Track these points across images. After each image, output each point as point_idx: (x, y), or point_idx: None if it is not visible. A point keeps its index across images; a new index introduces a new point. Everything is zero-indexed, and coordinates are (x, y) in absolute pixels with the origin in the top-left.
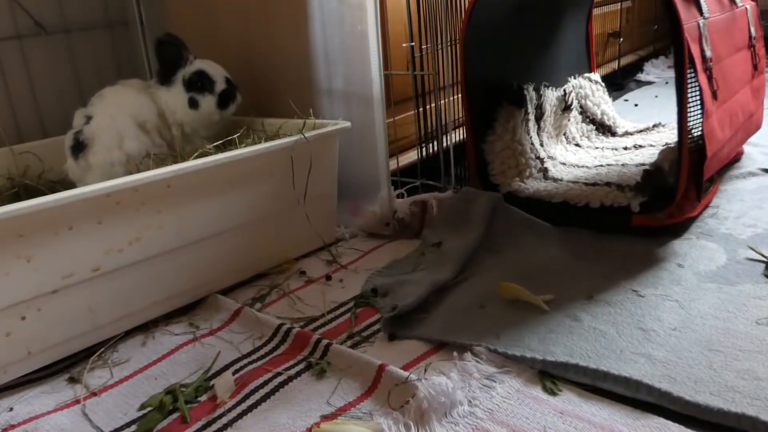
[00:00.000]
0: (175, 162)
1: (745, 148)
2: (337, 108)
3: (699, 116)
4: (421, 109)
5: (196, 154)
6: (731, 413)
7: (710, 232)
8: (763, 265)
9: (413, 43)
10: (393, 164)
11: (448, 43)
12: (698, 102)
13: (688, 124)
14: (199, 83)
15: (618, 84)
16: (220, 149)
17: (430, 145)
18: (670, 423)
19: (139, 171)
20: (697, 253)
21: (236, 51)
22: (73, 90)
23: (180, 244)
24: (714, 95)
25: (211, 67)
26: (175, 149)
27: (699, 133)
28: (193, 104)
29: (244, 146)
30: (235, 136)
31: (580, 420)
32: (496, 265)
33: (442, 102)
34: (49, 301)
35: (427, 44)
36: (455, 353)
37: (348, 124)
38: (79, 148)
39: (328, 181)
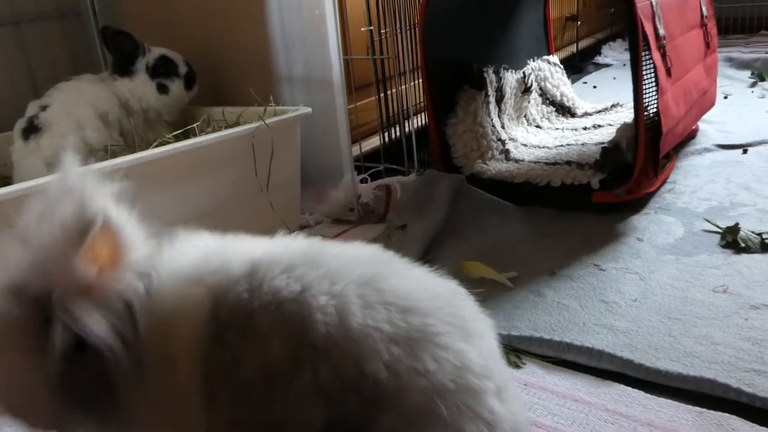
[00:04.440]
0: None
1: (700, 125)
2: (297, 94)
3: (654, 93)
4: (382, 94)
5: (155, 144)
6: (690, 377)
7: (668, 207)
8: (719, 236)
9: (372, 27)
10: (356, 150)
11: (408, 27)
12: (653, 79)
13: (644, 100)
14: (163, 69)
15: (577, 67)
16: (179, 138)
17: (393, 129)
18: (630, 389)
19: (96, 161)
20: (656, 227)
21: (193, 40)
22: (26, 83)
23: None
24: (668, 72)
25: (168, 51)
26: (132, 144)
27: (654, 109)
28: (162, 89)
29: (204, 134)
30: (195, 125)
31: (544, 390)
32: (461, 246)
33: (403, 87)
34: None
35: (386, 28)
36: None
37: (309, 110)
38: (32, 130)
39: (291, 167)
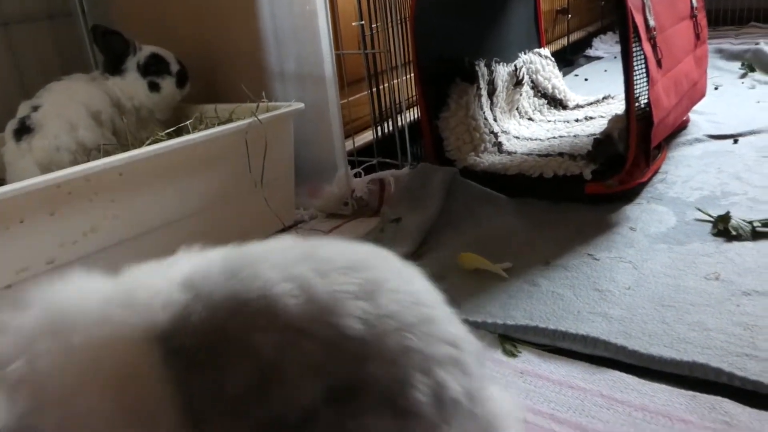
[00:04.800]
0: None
1: (691, 116)
2: (290, 90)
3: (645, 84)
4: (374, 89)
5: (148, 142)
6: (684, 362)
7: (660, 197)
8: (710, 225)
9: (363, 22)
10: (349, 145)
11: (399, 22)
12: (644, 70)
13: (635, 92)
14: (154, 67)
15: (568, 60)
16: (172, 136)
17: (386, 124)
18: (625, 375)
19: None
20: (648, 217)
21: (184, 38)
22: (16, 84)
23: (136, 233)
24: (659, 63)
25: (159, 49)
26: (125, 143)
27: (645, 101)
28: (154, 88)
29: (197, 132)
30: (188, 122)
31: (540, 378)
32: (455, 238)
33: (396, 81)
34: (3, 297)
35: (377, 23)
36: None
37: (301, 105)
38: (24, 131)
39: (285, 163)
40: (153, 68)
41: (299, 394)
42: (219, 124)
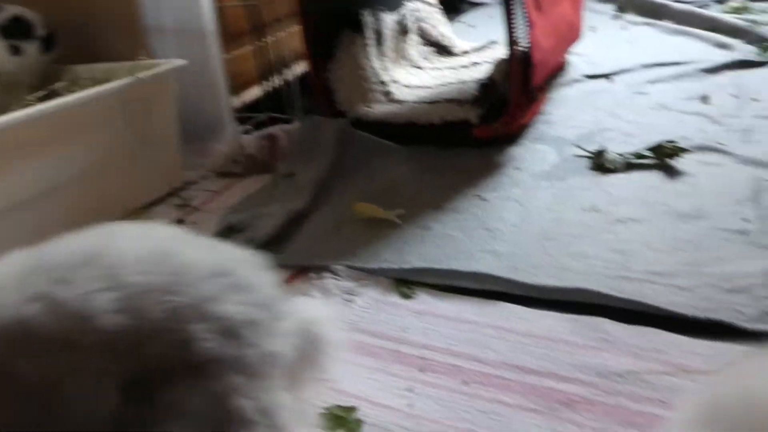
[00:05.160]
0: None
1: (569, 57)
2: (169, 46)
3: (525, 27)
4: (260, 42)
5: (16, 107)
6: (566, 288)
7: (542, 136)
8: (588, 160)
9: None
10: (237, 101)
11: None
12: (523, 13)
13: (515, 35)
14: (16, 29)
15: (453, 6)
16: (43, 100)
17: (274, 78)
18: (513, 306)
19: None
20: (532, 156)
21: None
22: None
23: (8, 205)
24: (537, 7)
25: (22, 10)
26: None
27: (526, 43)
28: (15, 51)
29: (71, 94)
30: (59, 85)
31: (435, 316)
32: (349, 189)
33: (282, 33)
34: None
35: None
36: (314, 275)
37: (182, 61)
38: None
39: (169, 122)
40: (14, 31)
41: (90, 406)
42: (94, 85)
